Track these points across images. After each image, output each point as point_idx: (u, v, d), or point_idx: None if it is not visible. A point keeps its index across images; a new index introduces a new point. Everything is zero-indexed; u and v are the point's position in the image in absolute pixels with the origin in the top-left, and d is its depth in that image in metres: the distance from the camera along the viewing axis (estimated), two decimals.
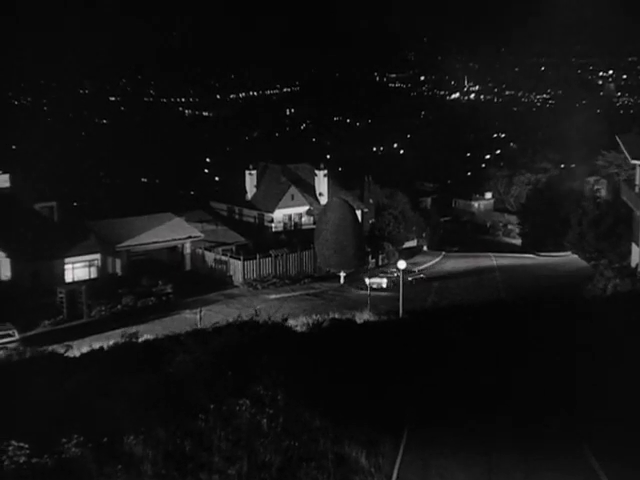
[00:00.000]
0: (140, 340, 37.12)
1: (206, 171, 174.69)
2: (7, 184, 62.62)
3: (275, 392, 24.36)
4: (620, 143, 60.78)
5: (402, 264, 52.59)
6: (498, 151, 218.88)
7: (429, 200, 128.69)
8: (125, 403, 22.89)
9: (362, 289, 63.59)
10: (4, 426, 20.69)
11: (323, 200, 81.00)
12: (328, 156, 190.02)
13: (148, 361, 27.95)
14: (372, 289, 62.00)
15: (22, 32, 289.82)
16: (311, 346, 32.28)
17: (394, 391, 27.31)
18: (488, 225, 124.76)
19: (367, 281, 63.93)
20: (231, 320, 39.51)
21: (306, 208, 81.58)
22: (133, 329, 47.81)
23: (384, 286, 64.03)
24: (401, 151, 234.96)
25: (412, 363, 31.05)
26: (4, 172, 62.93)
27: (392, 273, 65.64)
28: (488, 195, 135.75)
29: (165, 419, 21.73)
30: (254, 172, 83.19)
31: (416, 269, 71.07)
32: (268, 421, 22.44)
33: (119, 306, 55.52)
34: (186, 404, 22.90)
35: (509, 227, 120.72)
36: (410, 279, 65.07)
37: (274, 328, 35.47)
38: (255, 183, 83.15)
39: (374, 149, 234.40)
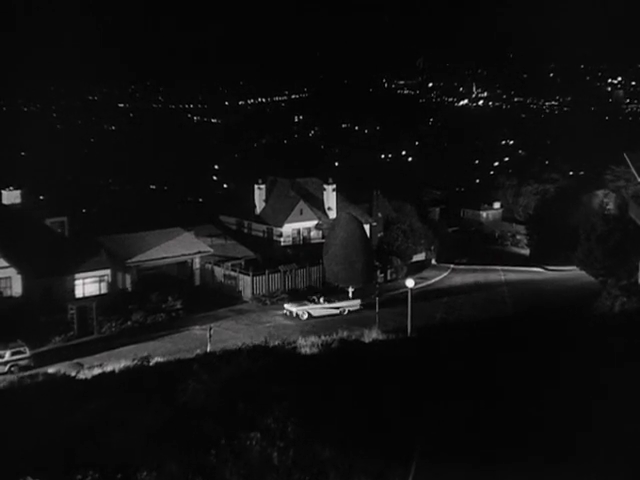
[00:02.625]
0: (151, 363, 37.51)
1: (214, 178, 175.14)
2: (18, 200, 63.24)
3: (285, 424, 24.62)
4: (628, 160, 60.78)
5: (410, 282, 52.39)
6: (507, 158, 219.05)
7: (437, 210, 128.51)
8: (138, 436, 23.22)
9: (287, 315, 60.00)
10: (20, 460, 21.02)
11: (332, 214, 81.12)
12: (337, 163, 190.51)
13: (159, 390, 28.28)
14: (287, 317, 59.24)
15: (30, 38, 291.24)
16: (320, 372, 32.51)
17: (402, 419, 27.52)
18: (496, 235, 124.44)
19: (285, 307, 60.90)
20: (240, 344, 39.90)
21: (315, 222, 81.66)
22: (143, 347, 48.59)
23: (294, 315, 59.27)
24: (409, 158, 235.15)
25: (419, 388, 31.27)
26: (15, 188, 63.57)
27: (312, 301, 60.59)
28: (496, 205, 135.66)
29: (178, 453, 22.03)
30: (263, 186, 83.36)
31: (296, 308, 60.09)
32: (278, 454, 22.70)
33: (129, 322, 55.63)
34: (198, 437, 23.19)
35: (517, 237, 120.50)
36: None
37: (283, 354, 35.72)
38: (264, 197, 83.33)
39: (382, 156, 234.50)
